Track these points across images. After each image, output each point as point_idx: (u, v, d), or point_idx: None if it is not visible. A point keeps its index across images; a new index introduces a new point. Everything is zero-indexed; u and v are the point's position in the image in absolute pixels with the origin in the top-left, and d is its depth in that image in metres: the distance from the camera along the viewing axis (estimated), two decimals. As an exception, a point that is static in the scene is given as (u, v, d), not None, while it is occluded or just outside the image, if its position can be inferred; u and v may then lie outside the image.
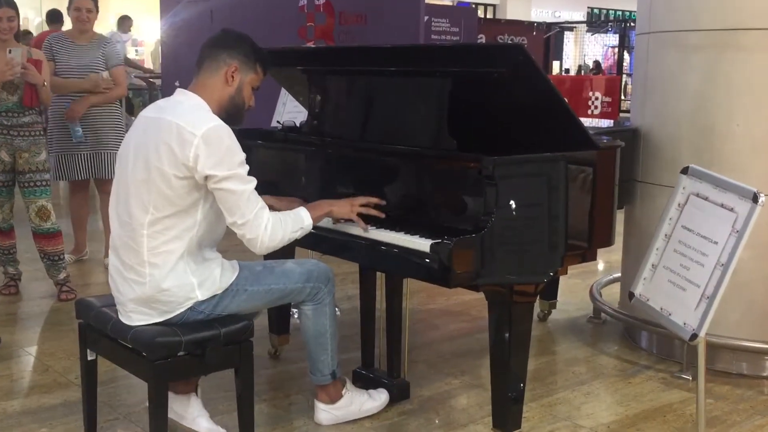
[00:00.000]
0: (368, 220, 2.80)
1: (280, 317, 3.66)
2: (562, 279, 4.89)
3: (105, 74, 5.00)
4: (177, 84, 9.81)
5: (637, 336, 4.04)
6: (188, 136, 2.43)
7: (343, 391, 3.01)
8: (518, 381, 2.76)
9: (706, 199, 2.65)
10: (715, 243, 2.56)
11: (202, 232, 2.56)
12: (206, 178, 2.45)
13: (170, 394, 2.82)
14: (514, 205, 2.57)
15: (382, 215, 2.78)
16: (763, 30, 3.41)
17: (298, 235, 2.63)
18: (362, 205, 2.77)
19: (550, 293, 4.40)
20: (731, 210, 2.54)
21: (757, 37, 3.42)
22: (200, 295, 2.56)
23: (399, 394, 3.24)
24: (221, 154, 2.45)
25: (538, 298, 4.30)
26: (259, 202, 2.54)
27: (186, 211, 2.51)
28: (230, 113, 2.66)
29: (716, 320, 2.96)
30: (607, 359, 3.84)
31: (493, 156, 2.54)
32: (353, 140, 3.17)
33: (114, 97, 5.13)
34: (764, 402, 3.35)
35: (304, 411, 3.12)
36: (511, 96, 2.78)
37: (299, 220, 2.63)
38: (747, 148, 3.49)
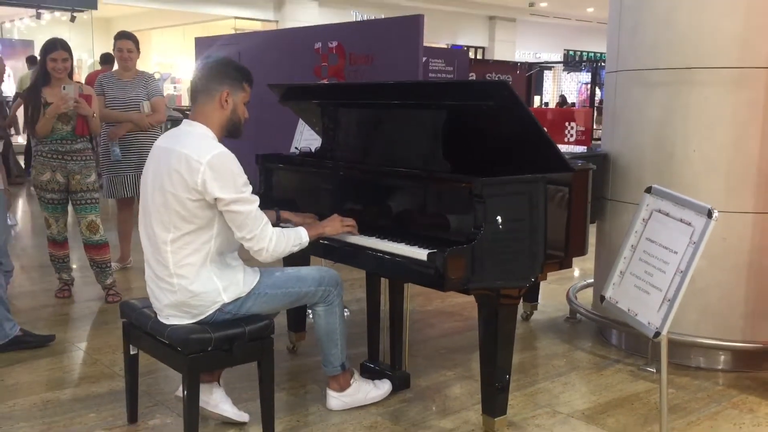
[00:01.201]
0: (373, 233, 2.80)
1: (297, 317, 3.66)
2: (542, 284, 4.87)
3: (146, 104, 5.06)
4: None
5: (608, 334, 4.02)
6: (195, 164, 2.42)
7: (352, 381, 3.00)
8: (504, 373, 2.75)
9: (667, 214, 2.64)
10: (675, 253, 2.54)
11: (219, 243, 2.55)
12: (215, 200, 2.44)
13: None
14: (500, 220, 2.57)
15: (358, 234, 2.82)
16: (714, 68, 3.41)
17: (296, 249, 2.64)
18: (349, 222, 2.82)
19: (532, 296, 4.38)
20: (689, 224, 2.52)
21: (710, 75, 3.42)
22: (226, 298, 2.55)
23: (400, 384, 3.22)
24: (225, 178, 2.44)
25: (521, 300, 4.32)
26: (263, 218, 2.53)
27: (203, 227, 2.50)
28: (231, 131, 2.65)
29: (677, 320, 2.94)
30: (582, 354, 3.82)
31: (482, 177, 2.54)
32: (361, 163, 3.17)
33: (154, 123, 5.15)
34: (719, 392, 3.33)
35: (318, 399, 3.11)
36: (498, 125, 2.78)
37: (298, 237, 2.64)
38: (702, 170, 3.48)
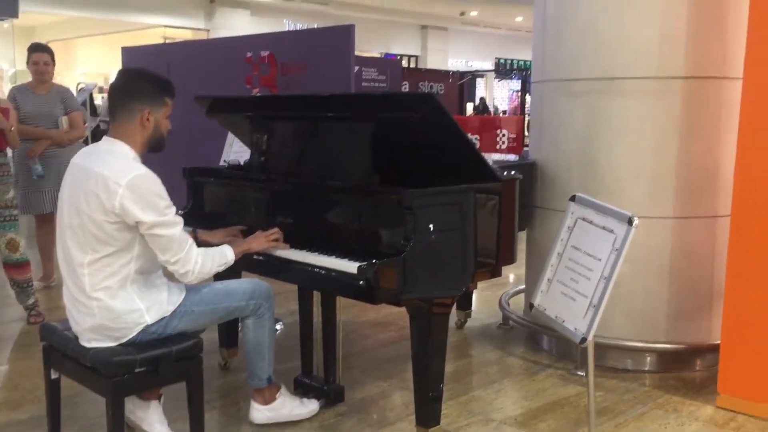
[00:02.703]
0: (303, 246, 2.78)
1: (228, 332, 3.59)
2: (476, 291, 4.92)
3: (65, 119, 4.91)
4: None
5: (539, 339, 4.08)
6: (113, 186, 2.33)
7: (278, 395, 2.95)
8: (438, 382, 2.76)
9: (591, 222, 2.70)
10: (599, 260, 2.60)
11: (140, 264, 2.46)
12: (137, 222, 2.36)
13: (135, 400, 2.75)
14: (430, 231, 2.58)
15: (287, 246, 2.78)
16: (633, 78, 3.52)
17: (222, 268, 2.59)
18: (274, 236, 2.77)
19: (465, 304, 4.42)
20: (611, 231, 2.59)
21: (630, 85, 3.53)
22: (149, 319, 2.47)
23: (335, 397, 3.19)
24: (147, 200, 2.35)
25: (455, 308, 4.36)
26: (188, 240, 2.47)
27: (123, 249, 2.41)
28: (153, 147, 2.56)
29: (604, 324, 3.00)
30: (515, 360, 3.87)
31: (411, 189, 2.55)
32: (290, 176, 3.14)
33: (73, 139, 5.01)
34: (645, 393, 3.42)
35: (251, 416, 3.05)
36: (425, 137, 2.79)
37: (224, 256, 2.59)
38: (625, 177, 3.58)
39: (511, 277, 5.63)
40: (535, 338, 4.13)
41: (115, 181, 2.34)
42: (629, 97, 3.54)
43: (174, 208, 2.44)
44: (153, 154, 2.59)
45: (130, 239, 2.41)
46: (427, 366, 2.73)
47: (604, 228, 2.62)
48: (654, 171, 3.55)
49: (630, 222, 2.50)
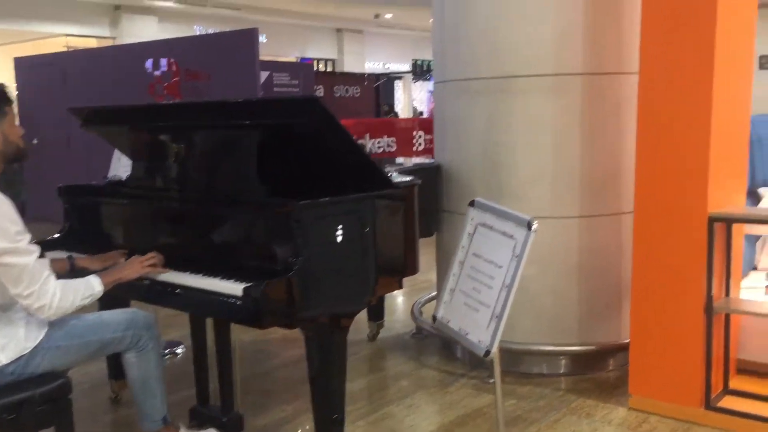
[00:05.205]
0: (187, 267, 2.55)
1: (118, 363, 3.26)
2: (389, 298, 4.77)
3: None
4: (35, 142, 8.95)
5: (453, 347, 3.95)
6: None
7: None
8: (340, 403, 2.58)
9: (491, 228, 2.58)
10: (500, 267, 2.47)
11: None
12: None
13: None
14: (321, 244, 2.40)
15: (167, 270, 2.53)
16: (530, 77, 3.42)
17: (88, 301, 2.33)
18: (150, 261, 2.52)
19: (377, 315, 4.24)
20: (511, 237, 2.46)
21: (529, 83, 3.43)
22: (4, 359, 2.19)
23: (233, 427, 2.96)
24: None
25: (366, 320, 4.19)
26: (44, 272, 2.20)
27: None
28: (10, 158, 2.32)
29: (515, 329, 2.89)
30: (428, 371, 3.72)
31: (300, 201, 2.36)
32: (172, 192, 2.89)
33: None
34: (559, 398, 3.32)
35: (141, 455, 2.79)
36: (314, 144, 2.61)
37: (89, 287, 2.33)
38: (527, 178, 3.48)
39: (430, 284, 5.50)
40: (449, 347, 4.00)
41: None
42: (528, 95, 3.45)
43: (28, 236, 2.18)
44: (26, 165, 2.35)
45: None
46: (326, 388, 2.55)
47: (504, 233, 2.49)
48: (557, 170, 3.47)
49: (529, 226, 2.38)
